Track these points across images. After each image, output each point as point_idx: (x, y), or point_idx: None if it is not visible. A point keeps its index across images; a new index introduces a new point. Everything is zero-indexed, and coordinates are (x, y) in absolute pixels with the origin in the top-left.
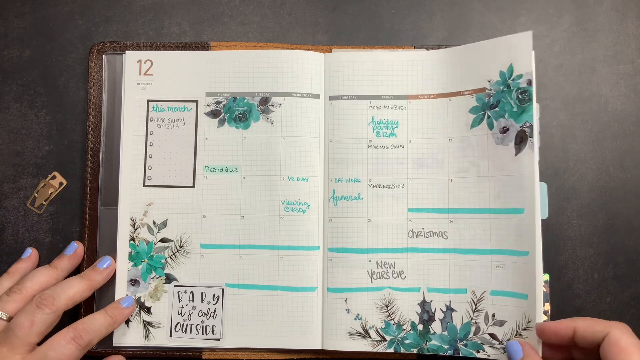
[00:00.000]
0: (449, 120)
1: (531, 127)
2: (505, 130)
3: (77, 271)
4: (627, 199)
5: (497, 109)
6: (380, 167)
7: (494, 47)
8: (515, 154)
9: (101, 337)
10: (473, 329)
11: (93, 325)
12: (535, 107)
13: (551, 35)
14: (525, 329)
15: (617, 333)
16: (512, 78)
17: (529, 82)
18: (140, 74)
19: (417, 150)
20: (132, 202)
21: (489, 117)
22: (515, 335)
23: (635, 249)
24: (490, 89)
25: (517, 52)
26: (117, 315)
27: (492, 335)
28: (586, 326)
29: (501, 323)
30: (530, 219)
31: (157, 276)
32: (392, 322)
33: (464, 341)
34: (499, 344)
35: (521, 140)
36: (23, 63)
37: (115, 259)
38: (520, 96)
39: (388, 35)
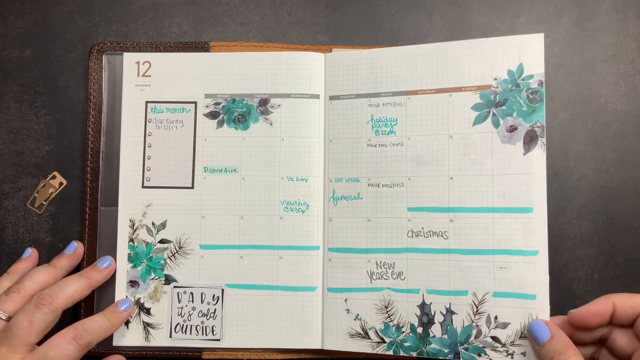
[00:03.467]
0: (450, 117)
1: (542, 127)
2: (513, 129)
3: (76, 271)
4: (627, 199)
5: (504, 107)
6: (379, 166)
7: (502, 46)
8: (524, 153)
9: (100, 339)
10: (474, 332)
11: (93, 327)
12: None
13: (551, 35)
14: None
15: None
16: (521, 78)
17: (541, 83)
18: (138, 76)
19: (417, 148)
20: (130, 203)
21: (494, 114)
22: (520, 337)
23: (635, 249)
24: (497, 87)
25: (527, 52)
26: (115, 319)
27: (494, 339)
28: (624, 299)
29: (504, 325)
30: (539, 218)
31: (157, 277)
32: (391, 323)
33: (465, 345)
34: (502, 346)
35: (531, 139)
36: (23, 63)
37: (115, 259)
38: (530, 96)
39: (388, 35)
